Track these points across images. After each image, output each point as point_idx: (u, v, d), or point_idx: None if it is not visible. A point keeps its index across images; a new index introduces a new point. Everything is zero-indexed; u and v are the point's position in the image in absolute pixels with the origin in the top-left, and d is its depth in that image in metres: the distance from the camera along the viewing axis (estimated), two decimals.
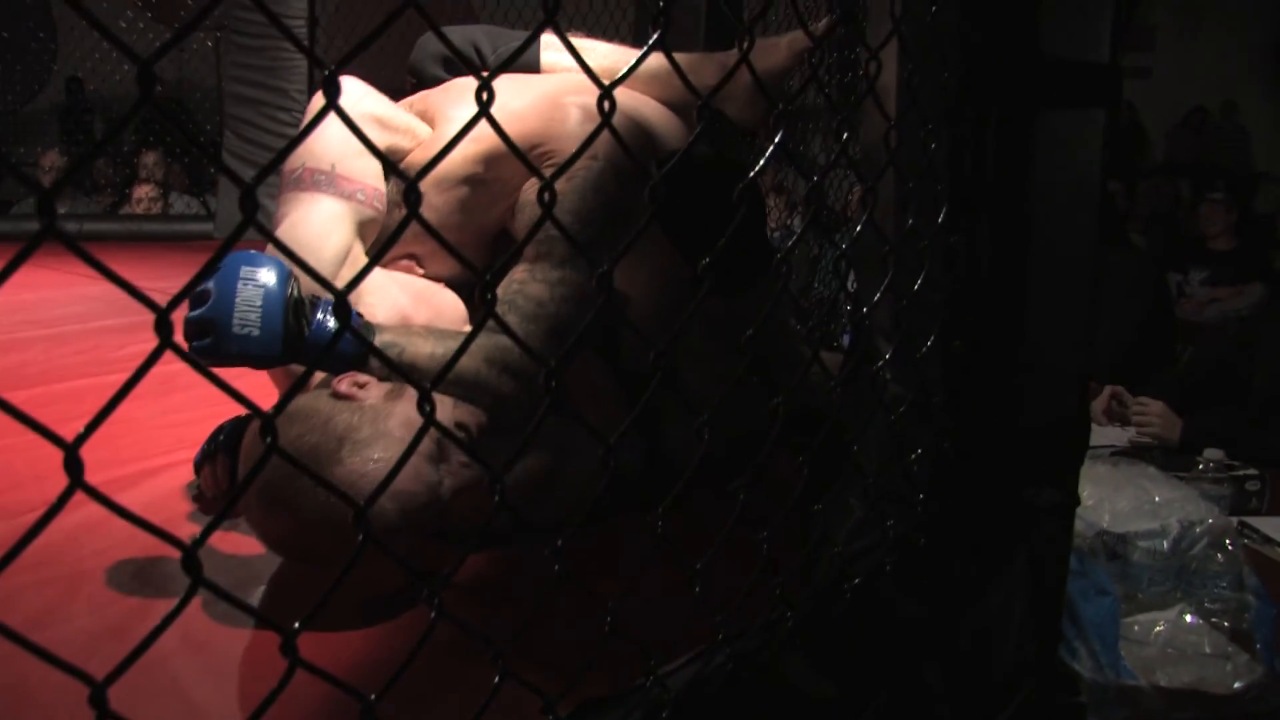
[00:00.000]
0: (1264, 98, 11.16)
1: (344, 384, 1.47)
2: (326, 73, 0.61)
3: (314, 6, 5.48)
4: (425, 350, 1.51)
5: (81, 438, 0.58)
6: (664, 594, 1.06)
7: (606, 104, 0.74)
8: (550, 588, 0.84)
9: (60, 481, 0.56)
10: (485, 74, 0.70)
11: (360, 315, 1.51)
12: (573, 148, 1.62)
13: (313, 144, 1.67)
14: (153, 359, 0.60)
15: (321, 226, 1.64)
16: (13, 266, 0.54)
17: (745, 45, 0.86)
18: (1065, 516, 1.54)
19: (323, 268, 1.60)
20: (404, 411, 1.44)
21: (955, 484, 1.38)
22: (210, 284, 1.35)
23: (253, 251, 1.41)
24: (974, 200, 1.31)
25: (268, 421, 0.63)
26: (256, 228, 0.62)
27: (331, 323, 1.41)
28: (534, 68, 1.96)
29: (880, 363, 1.26)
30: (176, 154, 6.31)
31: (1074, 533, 1.61)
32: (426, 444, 1.42)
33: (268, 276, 1.37)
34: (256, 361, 1.37)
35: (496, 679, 0.84)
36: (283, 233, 1.62)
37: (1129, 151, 10.35)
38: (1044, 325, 1.43)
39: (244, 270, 1.36)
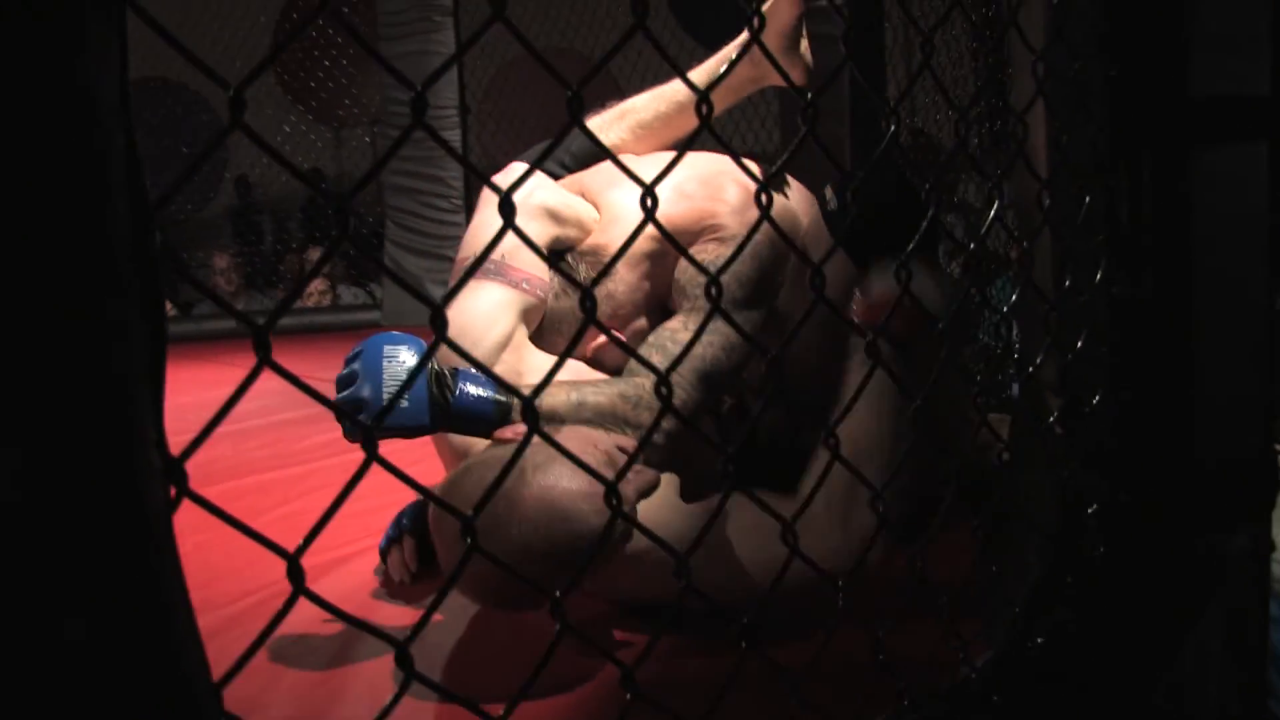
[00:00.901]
0: None
1: (507, 433, 1.56)
2: (503, 193, 0.66)
3: (464, 94, 5.68)
4: (562, 397, 1.62)
5: (301, 549, 0.63)
6: (846, 660, 1.06)
7: (764, 196, 0.77)
8: (736, 661, 0.86)
9: (257, 573, 0.61)
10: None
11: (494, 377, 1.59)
12: (734, 222, 1.82)
13: (484, 235, 1.80)
14: (361, 472, 0.65)
15: (488, 312, 1.75)
16: (232, 401, 0.61)
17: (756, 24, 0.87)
18: (1259, 561, 1.49)
19: (485, 350, 1.71)
20: (569, 435, 1.52)
21: (1135, 536, 1.35)
22: (355, 366, 1.47)
23: (391, 332, 1.53)
24: (1134, 249, 1.29)
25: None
26: (434, 328, 0.67)
27: (471, 390, 1.52)
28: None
29: (1050, 419, 1.25)
30: (342, 249, 6.59)
31: (1274, 578, 1.55)
32: (599, 456, 1.49)
33: (409, 353, 1.49)
34: (409, 432, 1.49)
35: None
36: (451, 316, 1.71)
37: None
38: (1217, 367, 1.40)
39: (386, 349, 1.49)
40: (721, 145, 0.90)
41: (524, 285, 1.79)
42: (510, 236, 0.68)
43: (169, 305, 6.16)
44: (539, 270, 1.82)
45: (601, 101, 2.15)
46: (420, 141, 5.50)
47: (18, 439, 0.47)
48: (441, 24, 5.47)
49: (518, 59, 6.07)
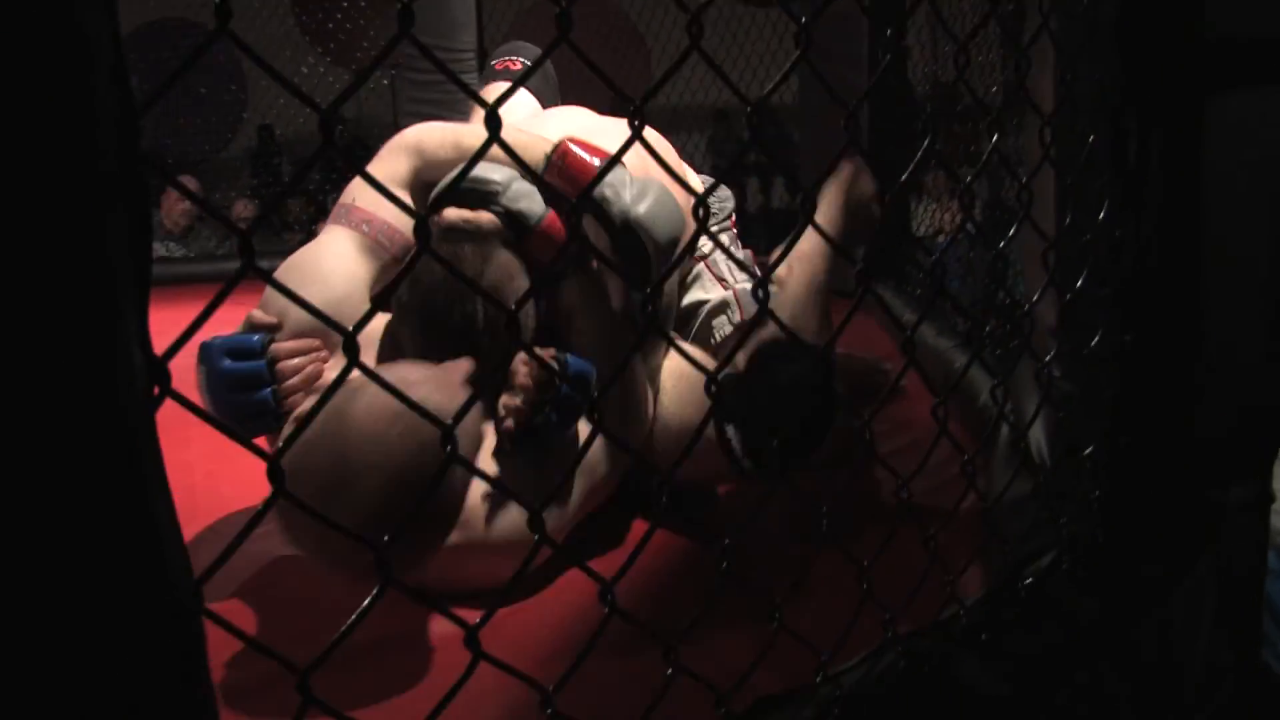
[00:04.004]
0: None
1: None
2: (486, 110, 0.66)
3: (483, 38, 5.62)
4: None
5: (281, 452, 0.64)
6: (831, 587, 1.07)
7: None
8: (718, 586, 0.87)
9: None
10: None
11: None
12: None
13: (356, 180, 1.79)
14: (343, 375, 0.66)
15: (323, 256, 1.72)
16: (214, 304, 0.61)
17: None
18: (1258, 513, 1.48)
19: (314, 293, 1.60)
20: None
21: (1134, 481, 1.35)
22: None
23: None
24: (1140, 192, 1.28)
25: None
26: (437, 260, 0.67)
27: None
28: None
29: (1047, 358, 1.24)
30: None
31: (1272, 530, 1.54)
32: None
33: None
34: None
35: (669, 672, 0.87)
36: (292, 261, 1.74)
37: None
38: (1225, 314, 1.38)
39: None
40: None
41: (364, 228, 1.72)
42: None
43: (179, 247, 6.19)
44: (389, 214, 1.73)
45: (617, 39, 2.11)
46: (437, 85, 5.45)
47: None
48: None
49: (540, 5, 6.00)
